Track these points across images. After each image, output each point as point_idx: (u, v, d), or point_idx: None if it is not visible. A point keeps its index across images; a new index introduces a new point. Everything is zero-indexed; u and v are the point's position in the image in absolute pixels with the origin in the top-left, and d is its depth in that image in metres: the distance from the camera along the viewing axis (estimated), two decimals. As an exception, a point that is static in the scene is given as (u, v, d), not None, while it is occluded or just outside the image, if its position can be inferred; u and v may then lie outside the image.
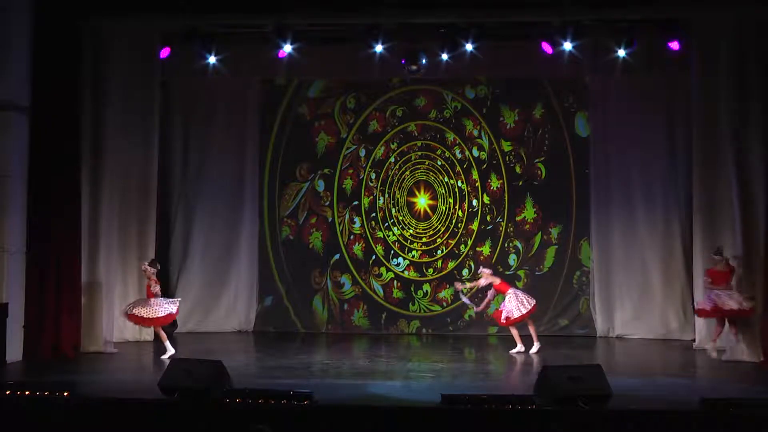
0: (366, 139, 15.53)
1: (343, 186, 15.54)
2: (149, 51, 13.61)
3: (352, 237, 15.52)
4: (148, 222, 14.00)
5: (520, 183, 15.22)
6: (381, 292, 15.39)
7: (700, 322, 13.21)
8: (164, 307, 12.42)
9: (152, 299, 12.42)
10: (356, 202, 15.52)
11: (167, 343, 12.42)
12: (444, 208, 15.45)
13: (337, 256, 15.46)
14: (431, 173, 15.48)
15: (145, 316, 12.36)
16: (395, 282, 15.30)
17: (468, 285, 13.64)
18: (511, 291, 12.87)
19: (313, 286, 15.46)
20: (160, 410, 8.80)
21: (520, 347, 12.82)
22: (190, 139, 15.42)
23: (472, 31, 13.15)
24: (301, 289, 15.44)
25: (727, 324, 12.23)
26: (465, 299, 13.49)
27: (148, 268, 12.59)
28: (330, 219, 15.52)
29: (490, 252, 15.23)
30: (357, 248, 15.50)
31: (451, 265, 15.32)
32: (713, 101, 12.63)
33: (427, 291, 15.06)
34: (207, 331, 14.97)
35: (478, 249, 15.27)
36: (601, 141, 14.93)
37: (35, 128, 12.16)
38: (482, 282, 13.07)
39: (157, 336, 12.83)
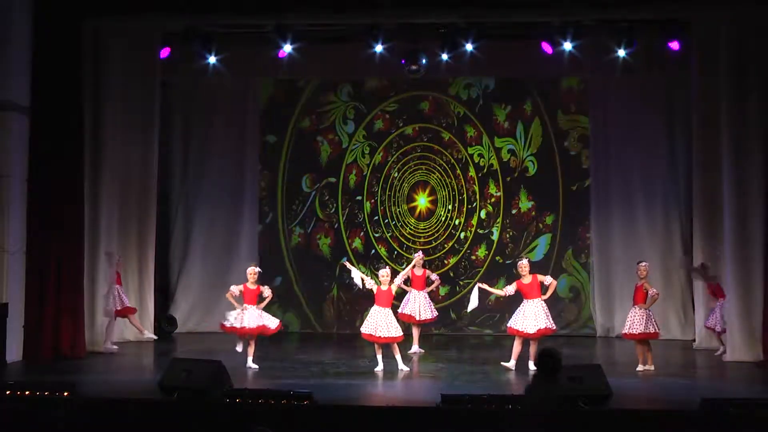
0: (367, 140, 15.51)
1: (347, 189, 15.52)
2: (149, 51, 13.62)
3: (356, 239, 15.51)
4: (148, 222, 14.00)
5: (519, 183, 15.21)
6: (381, 291, 15.38)
7: (699, 322, 13.23)
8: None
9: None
10: (359, 202, 15.50)
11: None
12: (444, 209, 15.44)
13: (342, 258, 15.46)
14: (431, 174, 15.47)
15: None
16: (396, 282, 15.29)
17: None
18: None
19: (318, 287, 15.48)
20: (160, 410, 8.81)
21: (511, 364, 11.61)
22: (190, 139, 15.42)
23: (472, 31, 13.16)
24: (305, 290, 15.45)
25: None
26: (475, 299, 11.88)
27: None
28: (335, 223, 15.52)
29: (487, 251, 15.23)
30: (358, 248, 15.49)
31: (451, 263, 15.33)
32: (713, 101, 12.61)
33: (427, 291, 15.08)
34: (207, 331, 14.95)
35: (476, 248, 15.26)
36: (601, 141, 14.93)
37: (35, 128, 12.16)
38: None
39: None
